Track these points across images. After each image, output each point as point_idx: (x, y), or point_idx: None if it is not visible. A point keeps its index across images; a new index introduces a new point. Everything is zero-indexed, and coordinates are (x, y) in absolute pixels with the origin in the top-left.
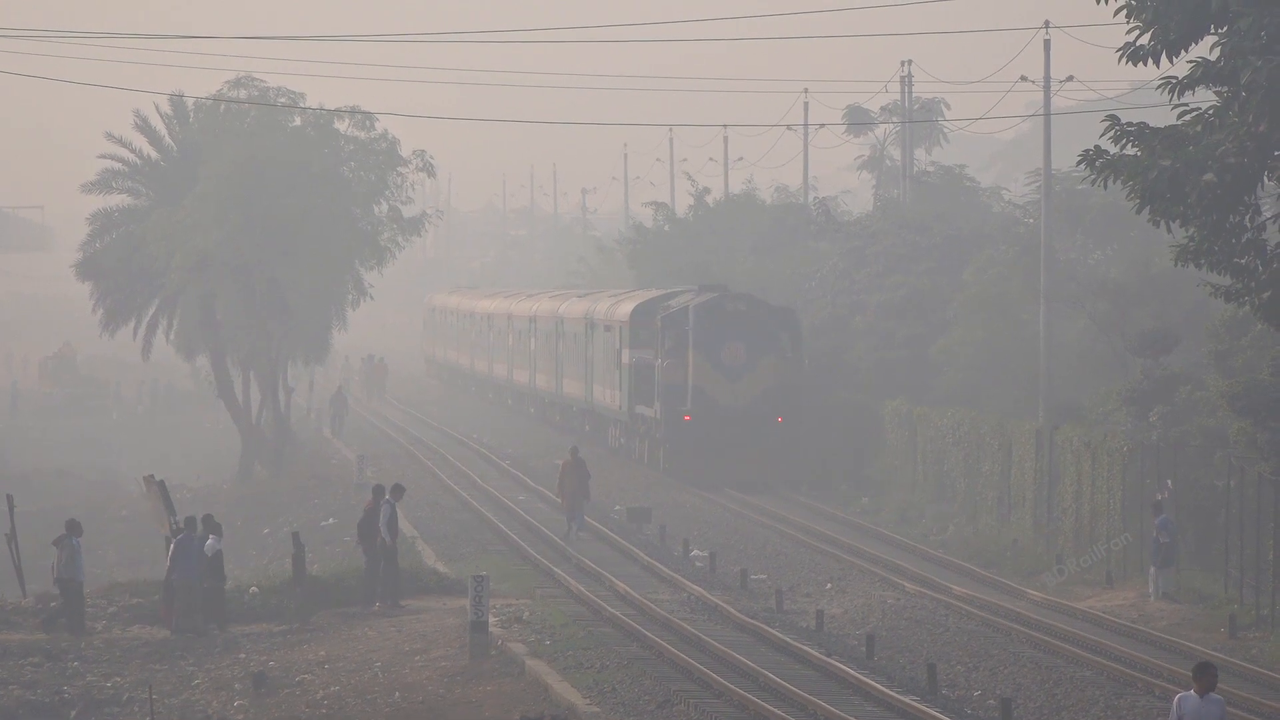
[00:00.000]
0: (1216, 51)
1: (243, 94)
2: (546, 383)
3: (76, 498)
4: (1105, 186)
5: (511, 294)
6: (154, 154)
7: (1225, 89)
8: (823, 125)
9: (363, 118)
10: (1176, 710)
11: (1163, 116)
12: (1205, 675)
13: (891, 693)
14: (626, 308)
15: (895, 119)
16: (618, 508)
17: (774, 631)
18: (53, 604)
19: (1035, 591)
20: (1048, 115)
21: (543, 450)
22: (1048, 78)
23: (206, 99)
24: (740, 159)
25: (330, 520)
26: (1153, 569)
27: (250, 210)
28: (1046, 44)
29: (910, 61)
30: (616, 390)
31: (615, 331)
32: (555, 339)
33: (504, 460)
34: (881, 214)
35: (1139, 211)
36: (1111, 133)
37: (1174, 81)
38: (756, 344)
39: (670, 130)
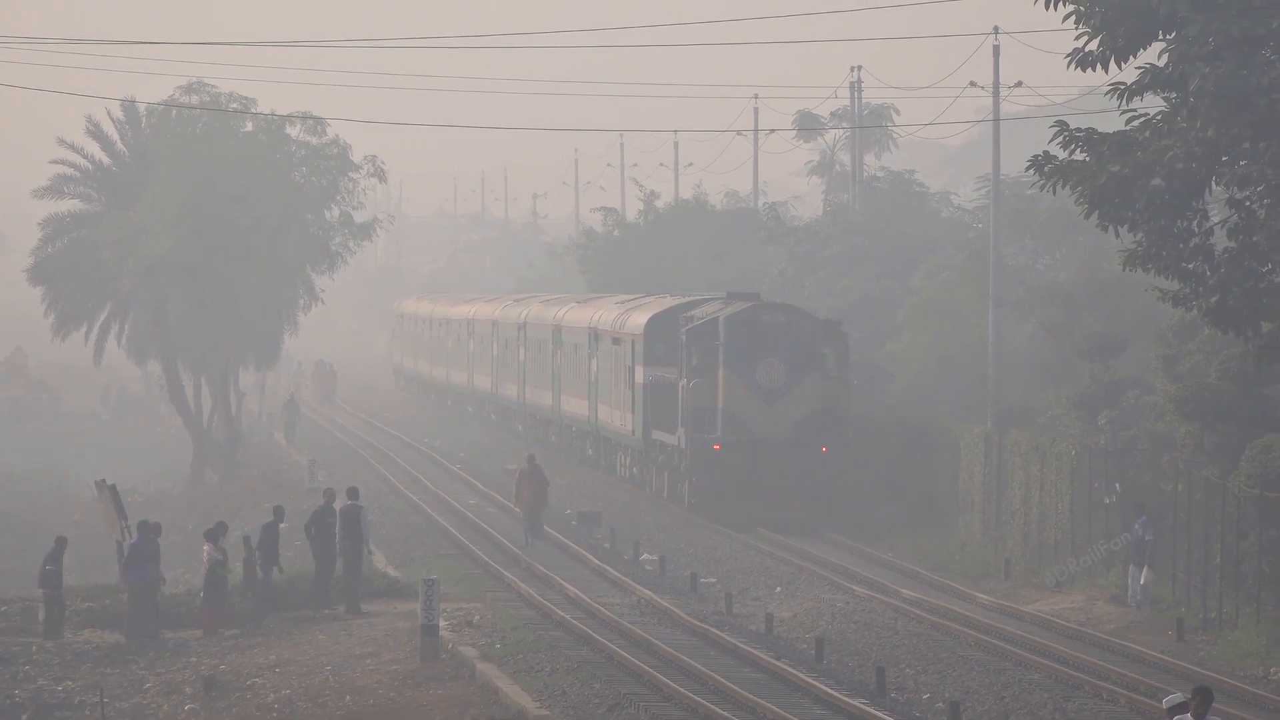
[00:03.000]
0: (1164, 58)
1: (194, 99)
2: (539, 398)
3: (27, 502)
4: (1054, 192)
5: (495, 298)
6: (106, 159)
7: (1173, 95)
8: (773, 131)
9: (314, 123)
10: None
11: (1111, 122)
12: (1202, 701)
13: (840, 695)
14: (640, 319)
15: (845, 124)
16: (568, 511)
17: (723, 635)
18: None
19: (984, 595)
20: (997, 121)
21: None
22: (997, 83)
23: (158, 104)
24: (690, 164)
25: (282, 525)
26: (1132, 568)
27: (202, 215)
28: (995, 50)
29: (860, 67)
30: (629, 413)
31: (626, 345)
32: (551, 350)
33: (479, 481)
34: (831, 219)
35: (1087, 217)
36: (1060, 138)
37: (1122, 87)
38: (797, 361)
39: (621, 136)
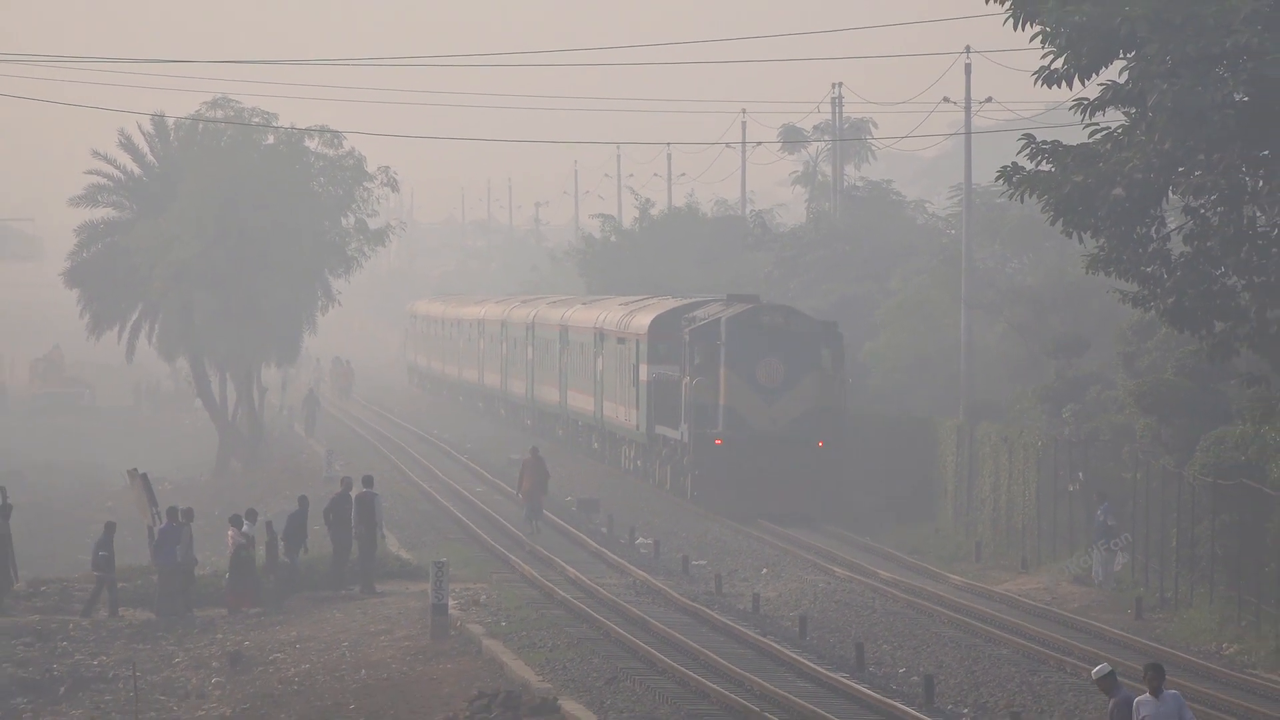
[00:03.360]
0: (1125, 75)
1: (219, 114)
2: (546, 394)
3: (64, 490)
4: (1022, 200)
5: (504, 299)
6: (137, 170)
7: (1133, 110)
8: (759, 143)
9: (331, 136)
10: (1136, 714)
11: (1075, 135)
12: (1155, 675)
13: (822, 670)
14: (644, 320)
15: (827, 137)
16: (569, 498)
17: (713, 613)
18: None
19: (956, 576)
20: (968, 134)
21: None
22: (968, 99)
23: (186, 119)
24: (683, 175)
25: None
26: (1096, 551)
27: (226, 223)
28: (967, 68)
29: (840, 84)
30: (633, 409)
31: (631, 345)
32: (558, 349)
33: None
34: (814, 226)
35: (1053, 223)
36: (1028, 150)
37: (1085, 103)
38: (795, 361)
39: (618, 148)
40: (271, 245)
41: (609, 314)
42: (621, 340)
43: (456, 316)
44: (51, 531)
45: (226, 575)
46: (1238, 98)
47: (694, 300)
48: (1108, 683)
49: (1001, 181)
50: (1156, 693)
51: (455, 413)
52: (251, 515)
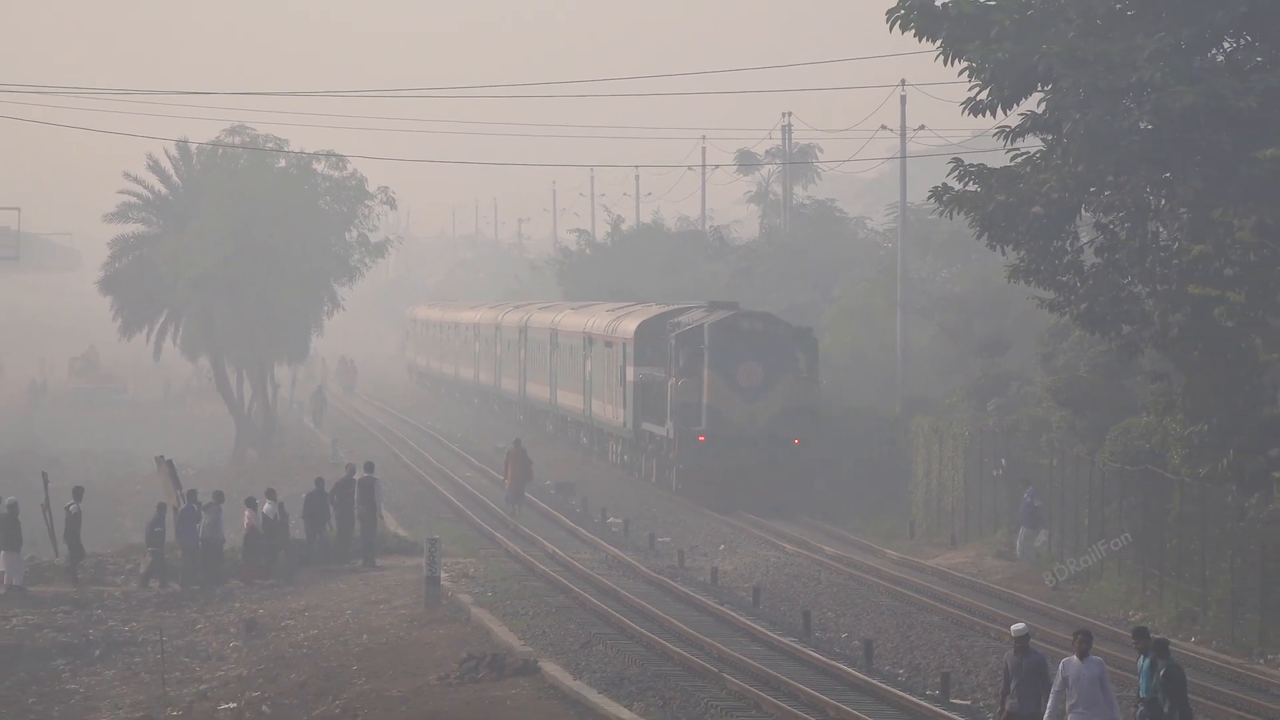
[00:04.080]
0: (1043, 106)
1: (237, 140)
2: (538, 392)
3: (98, 475)
4: (951, 217)
5: (497, 305)
6: (163, 190)
7: (1050, 136)
8: (718, 166)
9: (336, 160)
10: (1061, 673)
11: (998, 159)
12: (1083, 640)
13: (773, 635)
14: (630, 325)
15: (777, 161)
16: (548, 482)
17: (676, 585)
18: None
19: (892, 551)
20: (903, 158)
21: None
22: (903, 127)
23: (206, 144)
24: (649, 194)
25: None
26: (1022, 530)
27: (243, 237)
28: (903, 99)
29: (790, 113)
30: (620, 407)
31: (618, 348)
32: (548, 350)
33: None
34: (766, 240)
35: (979, 237)
36: (956, 173)
37: (1008, 130)
38: (773, 364)
39: (592, 170)
40: (283, 257)
41: (597, 319)
42: (609, 344)
43: (454, 320)
44: (88, 512)
45: (241, 551)
46: (1143, 126)
47: (676, 307)
48: (1022, 643)
49: (933, 200)
50: (1083, 656)
51: (451, 408)
52: (272, 494)
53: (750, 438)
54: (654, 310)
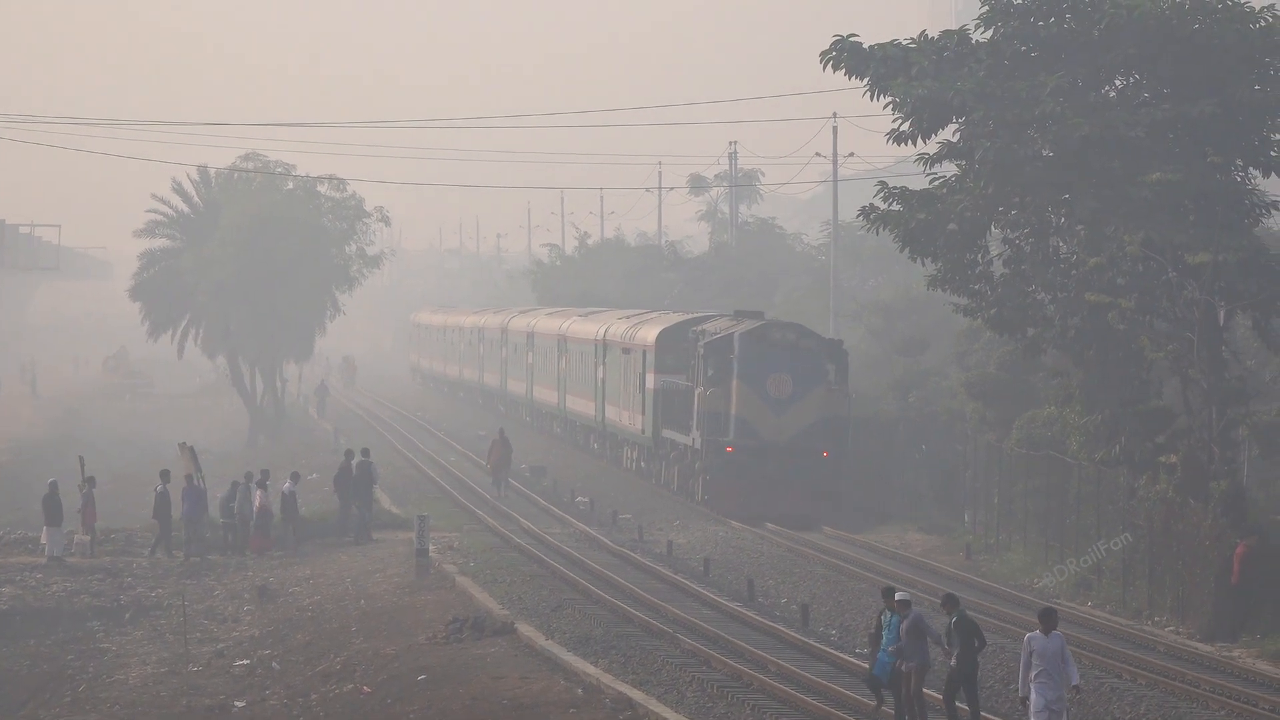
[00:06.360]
0: (957, 135)
1: (250, 165)
2: (545, 396)
3: (130, 460)
4: (878, 233)
5: (502, 310)
6: (186, 209)
7: (964, 163)
8: (672, 188)
9: (338, 182)
10: (1026, 647)
11: (919, 182)
12: (1048, 618)
13: (721, 600)
14: (650, 332)
15: (724, 183)
16: (523, 465)
17: (637, 556)
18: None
19: (827, 527)
20: (835, 181)
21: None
22: (835, 154)
23: (224, 169)
24: (613, 213)
25: (314, 475)
26: (969, 515)
27: (255, 251)
28: (835, 130)
29: (736, 141)
30: (639, 414)
31: (637, 354)
32: (556, 355)
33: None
34: (714, 254)
35: (902, 251)
36: (882, 194)
37: (927, 157)
38: (803, 375)
39: (562, 192)
40: (291, 268)
41: (612, 326)
42: (627, 350)
43: (458, 324)
44: (119, 492)
45: (253, 526)
46: (1045, 153)
47: (696, 315)
48: (950, 603)
49: (861, 218)
50: (1047, 632)
51: (452, 405)
52: (295, 477)
53: (779, 449)
54: (674, 318)
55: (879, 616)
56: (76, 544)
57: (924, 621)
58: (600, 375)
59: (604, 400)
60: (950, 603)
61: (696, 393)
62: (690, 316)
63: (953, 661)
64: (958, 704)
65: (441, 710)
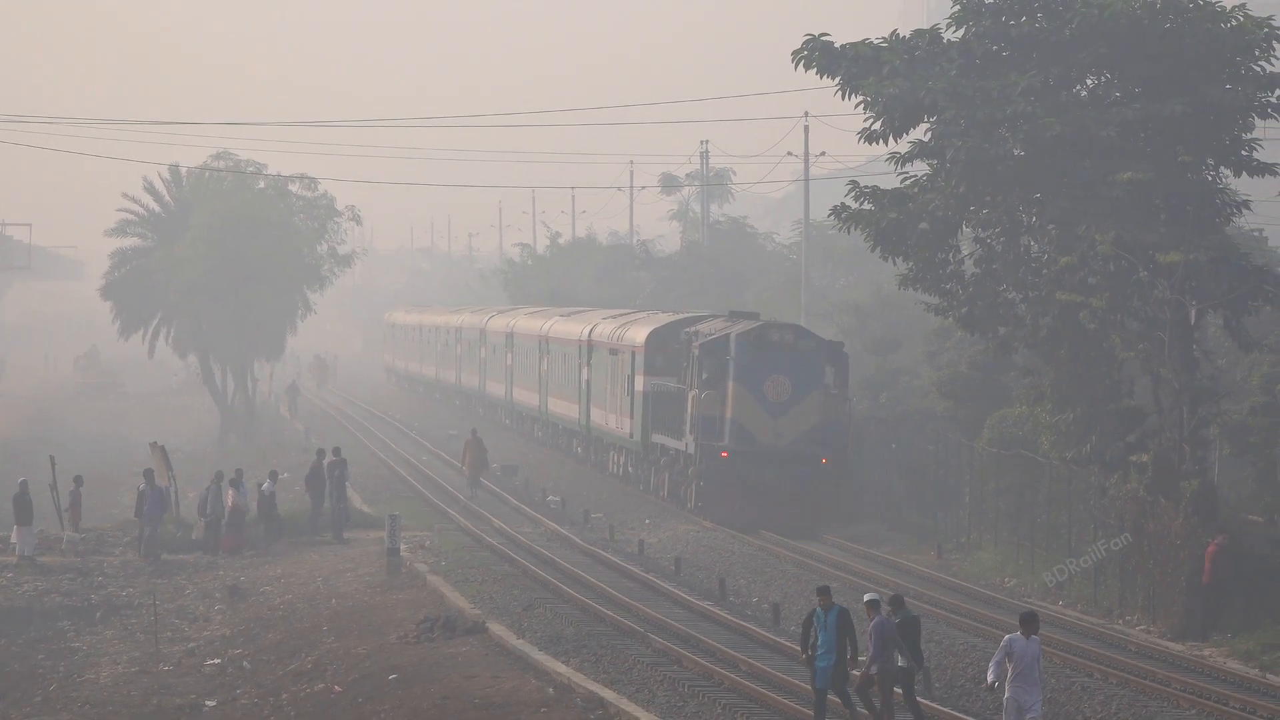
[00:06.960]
0: (929, 135)
1: (222, 164)
2: (525, 398)
3: (102, 458)
4: (849, 232)
5: (480, 309)
6: (157, 208)
7: (935, 162)
8: (644, 187)
9: (309, 181)
10: (1006, 649)
11: (890, 181)
12: (1029, 622)
13: (692, 599)
14: (639, 333)
15: (696, 183)
16: (494, 465)
17: (608, 555)
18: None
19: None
20: (807, 180)
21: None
22: (807, 153)
23: (195, 168)
24: (584, 211)
25: (285, 474)
26: (940, 514)
27: (226, 250)
28: (806, 129)
29: (707, 140)
30: (626, 417)
31: (625, 356)
32: (537, 356)
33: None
34: (686, 253)
35: (873, 250)
36: (853, 193)
37: (898, 156)
38: (802, 378)
39: (533, 191)
40: (262, 267)
41: (597, 326)
42: (614, 351)
43: (434, 324)
44: (91, 491)
45: (225, 525)
46: (1016, 153)
47: (687, 315)
48: (897, 603)
49: (833, 217)
50: (1028, 636)
51: (422, 404)
52: (274, 476)
53: (776, 455)
54: (664, 318)
55: (810, 615)
56: (67, 541)
57: (890, 627)
58: (585, 377)
59: (589, 403)
60: (897, 603)
61: (690, 395)
62: (681, 316)
63: (902, 663)
64: (874, 700)
65: (413, 710)
